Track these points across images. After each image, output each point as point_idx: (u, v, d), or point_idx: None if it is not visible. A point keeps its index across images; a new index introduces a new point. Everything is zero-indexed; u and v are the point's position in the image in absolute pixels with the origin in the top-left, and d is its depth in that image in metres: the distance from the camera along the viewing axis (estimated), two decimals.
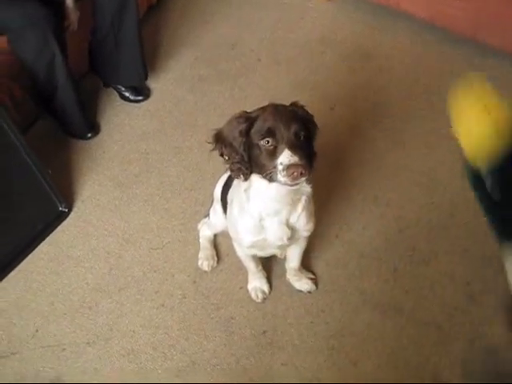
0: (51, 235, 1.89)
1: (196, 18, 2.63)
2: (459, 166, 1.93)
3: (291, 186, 1.19)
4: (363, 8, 2.64)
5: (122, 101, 2.27)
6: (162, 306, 1.70)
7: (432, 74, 2.34)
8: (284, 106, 1.29)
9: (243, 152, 1.22)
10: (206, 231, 1.80)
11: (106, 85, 2.28)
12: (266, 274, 1.71)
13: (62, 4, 1.87)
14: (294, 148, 1.17)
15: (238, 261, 1.65)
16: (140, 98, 2.27)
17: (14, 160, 1.77)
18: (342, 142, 2.11)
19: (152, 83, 2.32)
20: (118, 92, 2.26)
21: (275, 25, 2.60)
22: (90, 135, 2.15)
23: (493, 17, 2.25)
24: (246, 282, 1.71)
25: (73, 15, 1.91)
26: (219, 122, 2.11)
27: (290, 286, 1.71)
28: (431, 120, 2.15)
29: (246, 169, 1.24)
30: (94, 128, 2.17)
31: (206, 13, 2.66)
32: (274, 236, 1.39)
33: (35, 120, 2.13)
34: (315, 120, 1.33)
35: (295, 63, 2.41)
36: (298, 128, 1.20)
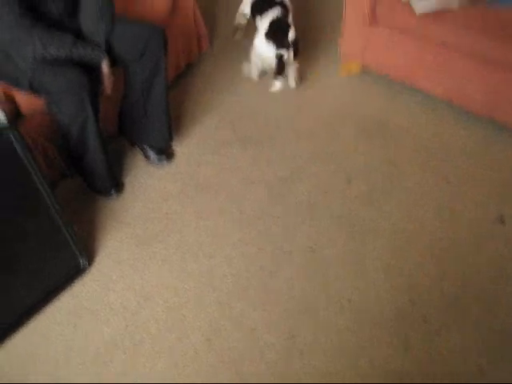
0: (71, 287, 1.95)
1: (221, 85, 2.78)
2: (471, 237, 2.01)
3: None
4: (381, 83, 2.77)
5: (147, 162, 2.37)
6: (176, 364, 1.73)
7: (447, 150, 2.43)
8: None
9: None
10: None
11: (133, 143, 2.39)
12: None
13: (99, 71, 1.99)
14: None
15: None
16: (164, 160, 2.37)
17: (42, 214, 1.84)
18: (358, 213, 2.17)
19: (177, 146, 2.43)
20: (143, 153, 2.37)
21: (298, 95, 2.73)
22: (114, 193, 2.24)
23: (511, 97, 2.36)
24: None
25: (108, 81, 2.03)
26: (239, 187, 2.23)
27: None
28: (444, 193, 2.22)
29: None
30: (118, 186, 2.26)
31: (230, 81, 2.81)
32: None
33: (63, 177, 2.24)
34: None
35: (314, 134, 2.51)
36: None
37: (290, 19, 2.69)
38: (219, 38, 3.14)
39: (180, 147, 2.44)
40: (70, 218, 1.89)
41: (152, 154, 2.36)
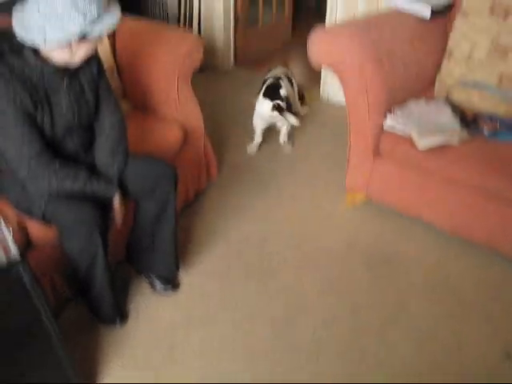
0: None
1: (228, 213, 2.83)
2: (480, 373, 1.97)
3: None
4: (386, 213, 2.83)
5: (152, 290, 2.37)
6: None
7: (453, 282, 2.44)
8: None
9: None
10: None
11: (139, 272, 2.41)
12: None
13: (111, 205, 2.05)
14: None
15: None
16: (169, 289, 2.37)
17: (43, 342, 1.82)
18: (365, 346, 2.14)
19: (182, 275, 2.44)
20: (149, 282, 2.38)
21: (304, 224, 2.78)
22: (118, 322, 2.22)
23: None
24: None
25: (119, 215, 2.08)
26: (243, 321, 2.21)
27: None
28: (451, 327, 2.20)
29: None
30: (123, 316, 2.25)
31: (239, 208, 2.87)
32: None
33: (68, 301, 2.24)
34: None
35: (320, 267, 2.53)
36: None
37: (286, 86, 3.37)
38: (227, 165, 3.25)
39: (186, 276, 2.45)
40: (71, 343, 1.86)
41: (158, 284, 2.36)
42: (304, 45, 2.60)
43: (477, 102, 2.80)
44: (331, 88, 4.07)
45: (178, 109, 2.63)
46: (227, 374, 2.04)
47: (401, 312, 2.29)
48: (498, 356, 2.10)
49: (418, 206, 2.66)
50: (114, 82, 2.65)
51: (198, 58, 2.64)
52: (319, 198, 2.99)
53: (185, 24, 4.61)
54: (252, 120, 3.40)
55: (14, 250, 1.85)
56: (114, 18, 1.75)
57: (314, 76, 4.25)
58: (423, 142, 2.45)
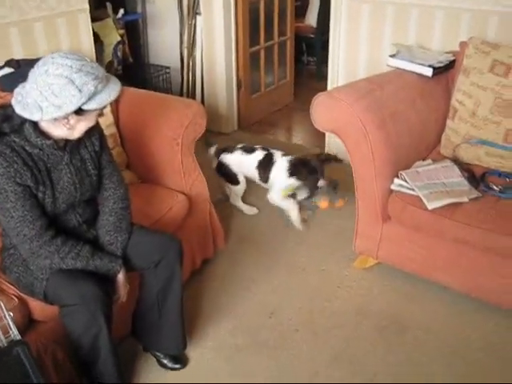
0: None
1: (236, 284, 2.75)
2: None
3: None
4: (397, 276, 2.74)
5: (159, 367, 2.28)
6: None
7: (467, 346, 2.35)
8: None
9: None
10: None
11: (146, 349, 2.32)
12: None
13: (115, 280, 1.99)
14: None
15: None
16: (177, 366, 2.27)
17: None
18: None
19: (190, 351, 2.34)
20: (156, 359, 2.29)
21: (313, 292, 2.69)
22: None
23: None
24: None
25: (123, 289, 2.02)
26: None
27: None
28: None
29: None
30: None
31: (246, 279, 2.78)
32: None
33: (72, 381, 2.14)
34: None
35: (332, 334, 2.43)
36: None
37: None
38: (235, 234, 3.18)
39: (193, 351, 2.35)
40: None
41: (165, 361, 2.27)
42: (307, 106, 2.60)
43: (485, 159, 2.76)
44: (335, 147, 4.03)
45: (182, 178, 2.60)
46: None
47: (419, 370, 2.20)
48: None
49: (430, 268, 2.58)
50: (117, 152, 2.64)
51: (201, 125, 2.64)
52: (328, 265, 2.90)
53: (188, 93, 4.66)
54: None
55: (14, 330, 1.80)
56: (112, 93, 1.74)
57: (319, 136, 4.23)
58: (433, 204, 2.39)
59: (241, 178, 3.23)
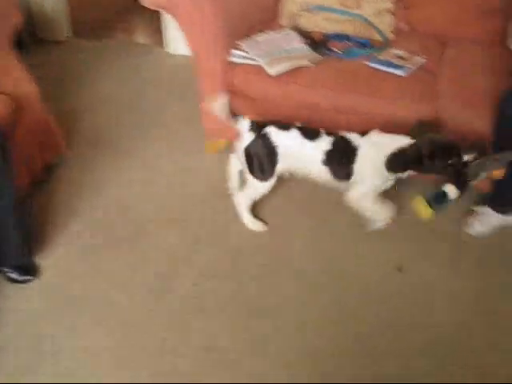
0: None
1: (87, 186, 2.55)
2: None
3: None
4: None
5: (10, 283, 2.08)
6: None
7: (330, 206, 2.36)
8: None
9: None
10: None
11: None
12: None
13: None
14: None
15: None
16: (28, 277, 2.09)
17: None
18: (254, 291, 2.00)
19: (41, 259, 2.16)
20: (5, 276, 2.08)
21: (168, 182, 2.58)
22: None
23: None
24: None
25: None
26: (116, 293, 1.99)
27: None
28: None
29: None
30: None
31: (97, 180, 2.59)
32: None
33: None
34: None
35: (192, 220, 2.36)
36: None
37: None
38: (84, 140, 2.92)
39: (45, 259, 2.17)
40: None
41: (14, 275, 2.07)
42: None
43: (324, 24, 2.74)
44: (175, 41, 3.82)
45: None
46: (103, 357, 1.82)
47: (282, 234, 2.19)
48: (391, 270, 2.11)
49: None
50: None
51: (15, 16, 2.33)
52: (179, 153, 2.78)
53: None
54: None
55: None
56: None
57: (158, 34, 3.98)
58: (275, 69, 2.32)
59: (276, 172, 2.22)
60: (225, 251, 2.19)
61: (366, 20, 2.67)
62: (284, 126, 2.14)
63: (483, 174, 2.02)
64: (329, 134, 2.13)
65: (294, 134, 2.13)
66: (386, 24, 2.72)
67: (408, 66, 2.37)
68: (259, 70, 2.36)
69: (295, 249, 2.20)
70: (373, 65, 2.39)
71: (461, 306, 1.96)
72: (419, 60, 2.44)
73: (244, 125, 2.15)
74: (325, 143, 2.11)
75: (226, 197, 2.43)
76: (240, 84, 2.44)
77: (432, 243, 2.23)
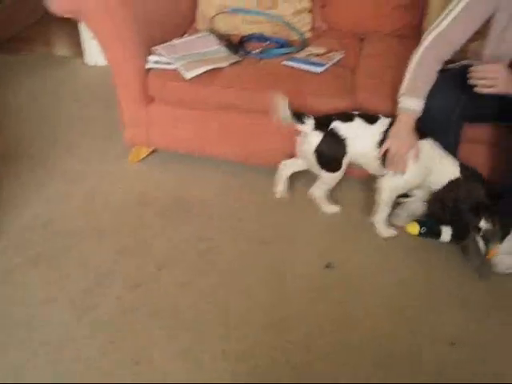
0: None
1: (3, 203, 2.42)
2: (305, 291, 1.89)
3: None
4: (175, 160, 2.65)
5: None
6: None
7: (256, 212, 2.38)
8: None
9: None
10: None
11: None
12: None
13: None
14: None
15: None
16: None
17: None
18: (176, 300, 1.95)
19: None
20: None
21: (90, 194, 2.48)
22: None
23: None
24: None
25: None
26: (38, 311, 1.89)
27: None
28: (265, 256, 2.09)
29: None
30: None
31: (15, 196, 2.47)
32: None
33: None
34: None
35: (116, 229, 2.28)
36: None
37: None
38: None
39: None
40: None
41: None
42: None
43: (242, 27, 2.72)
44: (93, 52, 3.72)
45: None
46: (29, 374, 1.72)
47: (208, 256, 2.15)
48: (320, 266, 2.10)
49: (203, 143, 2.51)
50: None
51: None
52: (104, 166, 2.68)
53: None
54: None
55: None
56: None
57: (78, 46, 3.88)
58: (190, 72, 2.28)
59: (345, 161, 2.22)
60: (148, 261, 2.12)
61: (282, 20, 2.66)
62: (347, 116, 2.15)
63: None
64: (387, 116, 2.14)
65: (358, 123, 2.14)
66: (303, 23, 2.73)
67: (325, 62, 2.38)
68: (175, 74, 2.31)
69: (221, 253, 2.15)
70: (291, 63, 2.38)
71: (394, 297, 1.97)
72: (337, 56, 2.46)
73: (308, 124, 2.15)
74: (382, 125, 2.12)
75: (149, 205, 2.37)
76: (157, 90, 2.39)
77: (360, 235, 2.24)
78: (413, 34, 2.70)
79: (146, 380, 1.68)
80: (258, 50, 2.52)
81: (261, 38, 2.64)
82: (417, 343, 1.80)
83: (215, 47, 2.49)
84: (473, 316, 1.89)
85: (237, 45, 2.56)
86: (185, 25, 2.77)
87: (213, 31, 2.66)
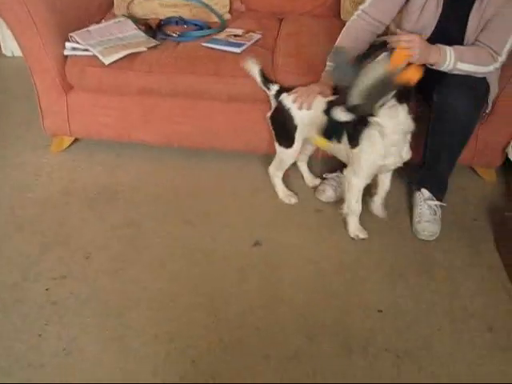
0: None
1: None
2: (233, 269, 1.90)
3: None
4: (99, 149, 2.61)
5: None
6: None
7: (180, 194, 2.37)
8: None
9: None
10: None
11: None
12: None
13: None
14: None
15: None
16: None
17: None
18: (105, 287, 1.93)
19: None
20: None
21: (9, 189, 2.41)
22: None
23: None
24: None
25: None
26: None
27: None
28: (192, 237, 2.10)
29: None
30: None
31: None
32: None
33: None
34: None
35: (40, 222, 2.22)
36: None
37: None
38: None
39: None
40: None
41: None
42: None
43: (161, 10, 2.70)
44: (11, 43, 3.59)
45: None
46: None
47: (136, 241, 2.14)
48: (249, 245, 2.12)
49: (127, 129, 2.48)
50: None
51: None
52: (25, 157, 2.61)
53: None
54: None
55: None
56: None
57: None
58: (108, 58, 2.24)
59: (298, 137, 2.17)
60: (75, 251, 2.09)
61: (200, 2, 2.65)
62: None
63: None
64: None
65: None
66: (222, 5, 2.73)
67: (244, 42, 2.39)
68: (94, 60, 2.27)
69: (149, 238, 2.15)
70: (209, 45, 2.38)
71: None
72: (255, 36, 2.47)
73: (272, 90, 2.16)
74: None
75: (74, 195, 2.33)
76: (75, 77, 2.34)
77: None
78: (329, 14, 2.75)
79: (77, 370, 1.67)
80: (176, 34, 2.50)
81: (180, 21, 2.63)
82: (346, 312, 1.85)
83: (133, 32, 2.46)
84: (399, 284, 1.97)
85: (155, 29, 2.54)
86: (102, 10, 2.71)
87: (130, 16, 2.62)
